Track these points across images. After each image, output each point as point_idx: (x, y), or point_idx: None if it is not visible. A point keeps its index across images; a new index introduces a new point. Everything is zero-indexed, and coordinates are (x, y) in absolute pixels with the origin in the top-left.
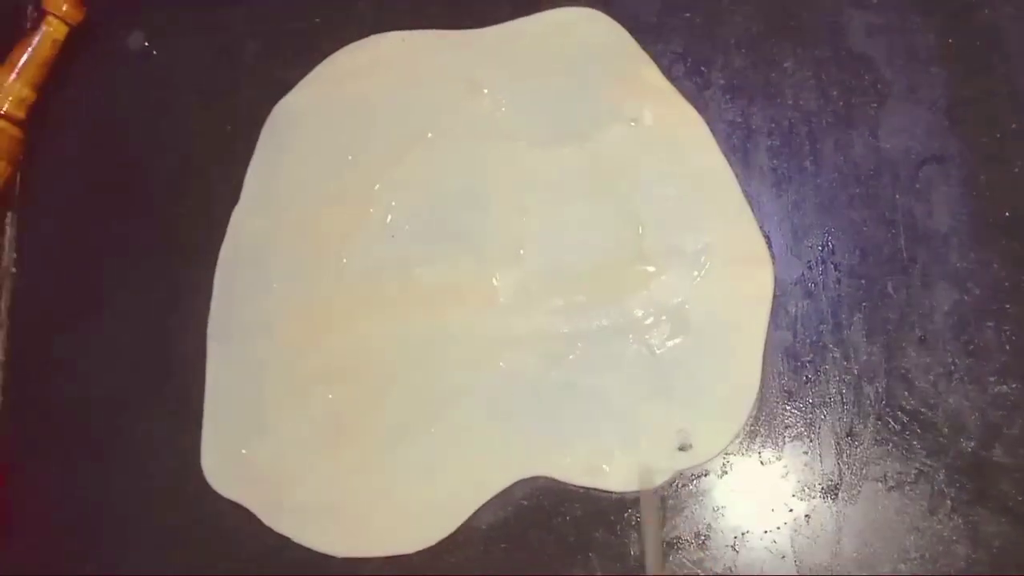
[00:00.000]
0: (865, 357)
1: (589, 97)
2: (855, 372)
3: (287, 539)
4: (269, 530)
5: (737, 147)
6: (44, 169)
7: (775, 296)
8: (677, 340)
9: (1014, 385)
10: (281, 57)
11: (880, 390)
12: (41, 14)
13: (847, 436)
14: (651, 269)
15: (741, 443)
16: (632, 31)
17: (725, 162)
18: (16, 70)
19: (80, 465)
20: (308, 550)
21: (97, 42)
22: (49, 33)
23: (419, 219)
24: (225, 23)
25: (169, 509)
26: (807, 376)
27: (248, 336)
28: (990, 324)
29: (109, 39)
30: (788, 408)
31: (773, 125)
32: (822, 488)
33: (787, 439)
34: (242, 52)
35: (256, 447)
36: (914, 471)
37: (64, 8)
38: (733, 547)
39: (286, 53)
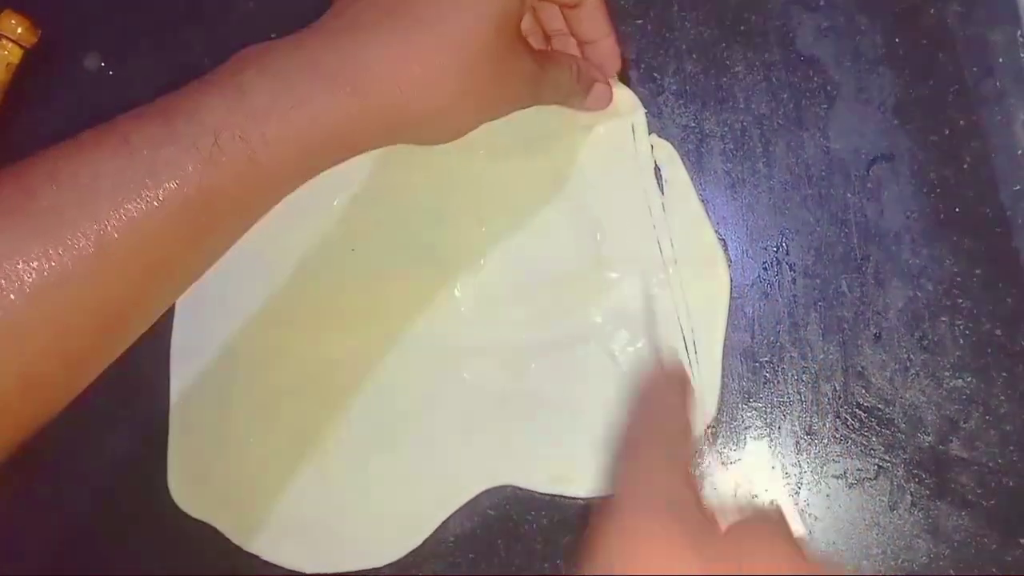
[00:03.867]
0: (822, 356)
1: (546, 107)
2: (812, 371)
3: (256, 557)
4: (238, 549)
5: (691, 151)
6: None
7: (732, 298)
8: (637, 345)
9: (969, 379)
10: None
11: (837, 388)
12: None
13: (806, 435)
14: (612, 275)
15: (703, 445)
16: None
17: (682, 167)
18: None
19: (42, 488)
20: (278, 568)
21: (53, 64)
22: (3, 57)
23: (379, 231)
24: (181, 42)
25: (136, 531)
26: (766, 376)
27: (211, 353)
28: (943, 319)
29: (65, 61)
30: (748, 409)
31: (726, 129)
32: (784, 487)
33: (748, 440)
34: (199, 70)
35: (222, 465)
36: (873, 467)
37: (18, 31)
38: None
39: None
